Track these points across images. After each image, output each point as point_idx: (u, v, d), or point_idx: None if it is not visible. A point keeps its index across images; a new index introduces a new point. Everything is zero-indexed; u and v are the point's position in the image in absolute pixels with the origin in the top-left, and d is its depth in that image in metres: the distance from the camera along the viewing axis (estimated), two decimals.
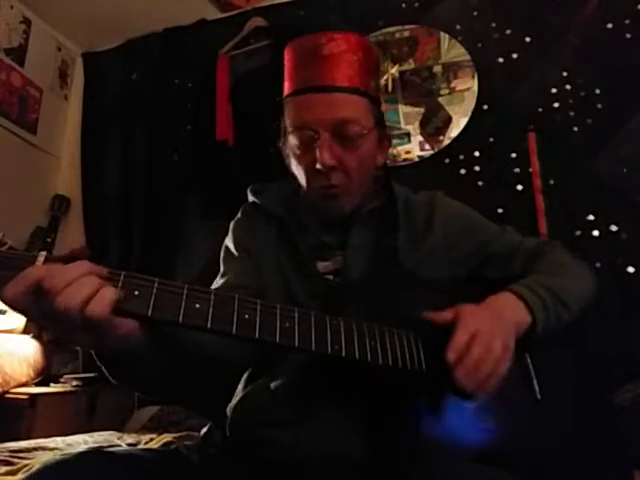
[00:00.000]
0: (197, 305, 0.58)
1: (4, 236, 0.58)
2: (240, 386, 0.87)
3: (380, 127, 0.92)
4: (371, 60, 0.93)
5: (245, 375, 0.88)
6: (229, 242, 0.97)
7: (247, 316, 0.60)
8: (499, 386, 0.69)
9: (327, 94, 0.85)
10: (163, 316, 0.56)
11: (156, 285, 0.56)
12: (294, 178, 0.97)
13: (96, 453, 0.67)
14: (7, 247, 0.56)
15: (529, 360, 0.82)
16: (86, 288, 0.51)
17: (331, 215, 0.90)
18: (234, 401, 0.84)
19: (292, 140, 0.88)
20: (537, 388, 0.80)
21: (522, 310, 0.76)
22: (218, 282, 0.91)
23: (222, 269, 0.94)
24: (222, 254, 0.97)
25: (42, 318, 0.52)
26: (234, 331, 0.59)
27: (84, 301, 0.50)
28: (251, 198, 1.00)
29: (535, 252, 0.92)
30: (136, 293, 0.55)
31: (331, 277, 0.88)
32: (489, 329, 0.69)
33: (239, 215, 1.01)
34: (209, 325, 0.57)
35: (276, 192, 1.00)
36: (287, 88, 0.92)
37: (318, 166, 0.83)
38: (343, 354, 0.65)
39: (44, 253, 0.54)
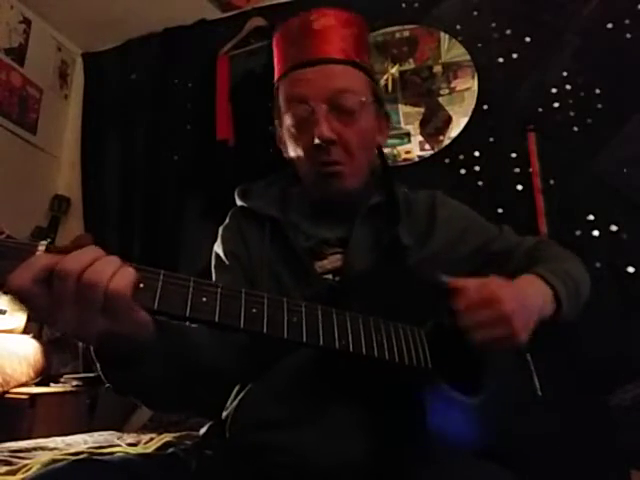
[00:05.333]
0: (204, 298, 0.56)
1: (3, 221, 0.55)
2: (236, 388, 0.85)
3: (378, 104, 0.89)
4: (364, 36, 0.90)
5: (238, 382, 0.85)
6: (218, 249, 0.93)
7: (255, 310, 0.59)
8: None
9: (321, 66, 0.82)
10: (169, 309, 0.54)
11: (162, 277, 0.54)
12: (287, 173, 0.94)
13: (88, 461, 0.64)
14: (5, 236, 0.52)
15: (529, 357, 0.82)
16: (110, 265, 0.50)
17: (332, 194, 0.86)
18: (233, 402, 0.82)
19: (287, 120, 0.85)
20: (538, 385, 0.80)
21: (549, 296, 0.75)
22: None
23: (213, 278, 0.91)
24: (213, 261, 0.93)
25: (51, 307, 0.49)
26: (242, 325, 0.57)
27: (109, 277, 0.49)
28: (239, 202, 0.96)
29: (534, 249, 0.91)
30: (141, 286, 0.53)
31: (330, 277, 0.85)
32: (511, 296, 0.68)
33: (228, 220, 0.96)
34: (217, 319, 0.56)
35: (265, 192, 0.95)
36: (279, 70, 0.89)
37: (317, 140, 0.80)
38: (351, 349, 0.64)
39: (45, 242, 0.52)
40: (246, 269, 0.88)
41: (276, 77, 0.90)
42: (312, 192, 0.90)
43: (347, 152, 0.84)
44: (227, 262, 0.90)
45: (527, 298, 0.72)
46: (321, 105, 0.81)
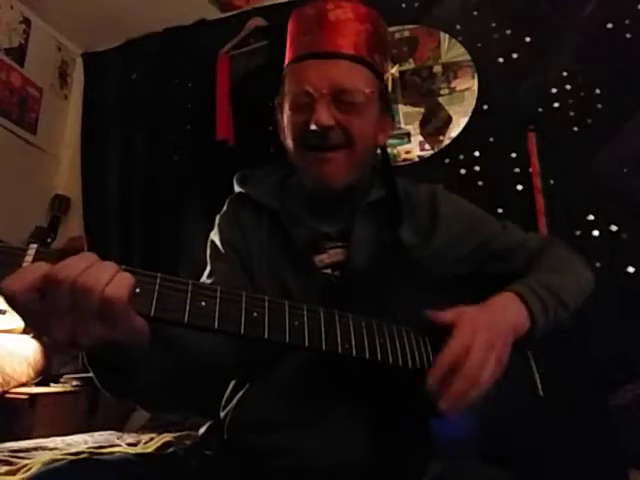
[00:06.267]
0: (203, 303, 0.54)
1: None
2: (232, 387, 0.85)
3: (383, 103, 0.88)
4: (379, 34, 0.88)
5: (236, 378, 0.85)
6: (215, 237, 0.91)
7: (255, 314, 0.57)
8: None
9: (330, 60, 0.82)
10: (167, 315, 0.52)
11: (158, 281, 0.53)
12: (286, 163, 0.92)
13: (89, 461, 0.64)
14: None
15: (531, 358, 0.82)
16: (106, 271, 0.49)
17: (323, 185, 0.83)
18: (231, 402, 0.82)
19: (288, 103, 0.84)
20: (540, 385, 0.80)
21: (523, 314, 0.75)
22: (205, 281, 0.84)
23: (209, 267, 0.89)
24: (208, 250, 0.91)
25: (45, 315, 0.48)
26: (242, 331, 0.56)
27: (105, 283, 0.48)
28: (238, 188, 0.94)
29: (536, 250, 0.91)
30: (137, 290, 0.51)
31: (329, 271, 0.84)
32: (485, 340, 0.67)
33: (225, 207, 0.95)
34: (216, 325, 0.54)
35: (265, 180, 0.94)
36: (289, 56, 0.88)
37: (312, 126, 0.78)
38: (354, 353, 0.64)
39: (35, 246, 0.50)
40: (244, 259, 0.87)
41: (286, 62, 0.89)
42: (307, 183, 0.88)
43: (347, 137, 0.81)
44: (223, 251, 0.88)
45: (500, 320, 0.71)
46: (323, 92, 0.80)
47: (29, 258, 0.49)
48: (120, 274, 0.50)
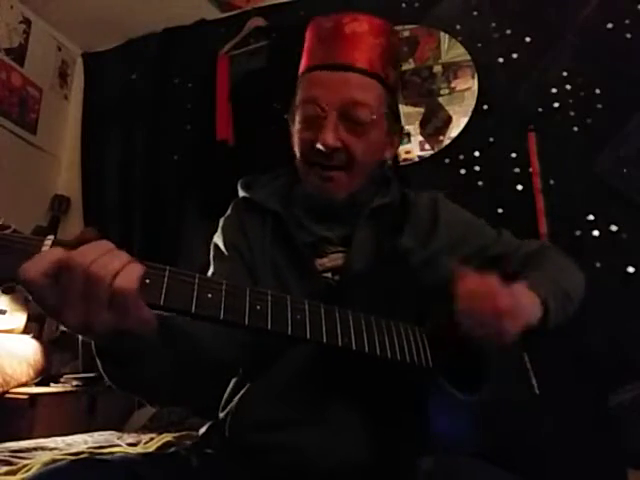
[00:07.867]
0: (209, 295, 0.56)
1: (4, 220, 0.55)
2: (232, 386, 0.85)
3: (392, 119, 0.89)
4: (393, 49, 0.90)
5: (237, 376, 0.86)
6: (218, 240, 0.92)
7: (259, 307, 0.60)
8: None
9: (343, 73, 0.83)
10: (175, 305, 0.54)
11: (167, 273, 0.55)
12: (292, 169, 0.93)
13: (89, 461, 0.64)
14: (11, 230, 0.53)
15: (526, 357, 0.82)
16: (117, 260, 0.50)
17: (324, 199, 0.86)
18: (232, 402, 0.82)
19: (298, 117, 0.86)
20: (535, 384, 0.80)
21: (535, 300, 0.75)
22: None
23: (212, 269, 0.90)
24: (212, 252, 0.92)
25: (59, 301, 0.49)
26: (247, 322, 0.58)
27: (116, 271, 0.49)
28: (242, 193, 0.96)
29: (533, 254, 0.92)
30: (147, 281, 0.53)
31: (329, 275, 0.85)
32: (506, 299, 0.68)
33: (229, 211, 0.96)
34: (222, 315, 0.56)
35: (269, 185, 0.96)
36: (303, 65, 0.89)
37: (319, 145, 0.80)
38: (353, 347, 0.65)
39: (52, 237, 0.52)
40: (246, 261, 0.88)
41: (300, 70, 0.90)
42: (310, 193, 0.90)
43: (350, 159, 0.83)
44: (226, 253, 0.89)
45: (519, 304, 0.71)
46: (332, 112, 0.81)
47: (46, 248, 0.51)
48: (131, 265, 0.51)
